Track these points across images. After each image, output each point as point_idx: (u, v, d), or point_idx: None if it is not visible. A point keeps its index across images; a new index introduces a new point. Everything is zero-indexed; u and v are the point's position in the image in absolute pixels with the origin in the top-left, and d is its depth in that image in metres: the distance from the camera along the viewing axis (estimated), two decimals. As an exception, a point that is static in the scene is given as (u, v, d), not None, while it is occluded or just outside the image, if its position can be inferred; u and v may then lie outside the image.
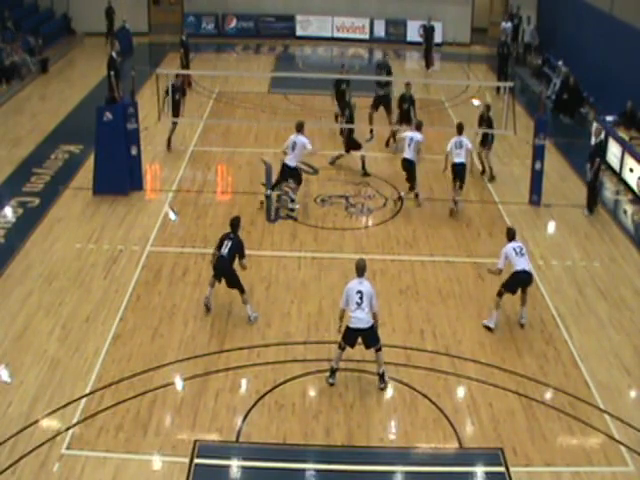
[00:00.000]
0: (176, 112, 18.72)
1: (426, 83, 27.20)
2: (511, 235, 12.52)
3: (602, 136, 16.73)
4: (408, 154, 16.34)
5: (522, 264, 12.15)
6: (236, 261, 12.21)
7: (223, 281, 12.24)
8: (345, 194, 17.19)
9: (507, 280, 12.24)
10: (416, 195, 16.71)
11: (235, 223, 12.36)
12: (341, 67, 21.55)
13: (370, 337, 10.73)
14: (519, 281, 12.21)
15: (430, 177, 18.15)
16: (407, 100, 19.14)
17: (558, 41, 28.16)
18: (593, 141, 16.42)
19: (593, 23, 24.76)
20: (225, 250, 12.08)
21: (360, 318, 10.59)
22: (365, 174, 18.16)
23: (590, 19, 25.11)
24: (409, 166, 16.37)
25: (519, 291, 12.37)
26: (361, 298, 10.60)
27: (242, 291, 12.28)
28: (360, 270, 10.83)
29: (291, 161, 15.87)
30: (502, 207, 16.80)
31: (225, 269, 12.15)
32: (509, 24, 29.28)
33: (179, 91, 18.88)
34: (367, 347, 10.86)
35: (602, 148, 16.81)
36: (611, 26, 23.04)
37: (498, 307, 12.33)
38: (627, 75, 21.05)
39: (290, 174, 16.00)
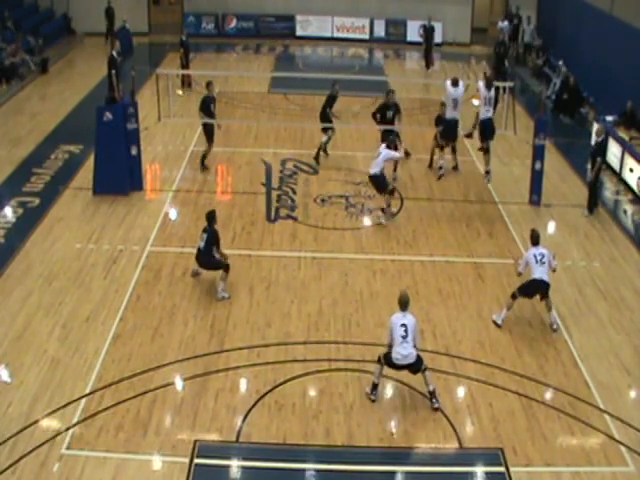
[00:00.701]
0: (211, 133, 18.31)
1: (426, 83, 27.21)
2: (535, 239, 12.37)
3: (603, 136, 16.70)
4: (373, 169, 15.73)
5: (540, 273, 12.09)
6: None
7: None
8: (345, 194, 17.19)
9: (523, 284, 12.27)
10: (384, 208, 15.90)
11: (210, 216, 12.94)
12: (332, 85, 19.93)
13: (416, 367, 10.44)
14: (535, 289, 12.23)
15: (430, 177, 18.16)
16: (391, 107, 17.96)
17: (558, 41, 28.16)
18: (594, 141, 16.40)
19: (593, 23, 24.76)
20: (202, 243, 12.88)
21: (405, 355, 10.28)
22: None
23: (590, 19, 25.10)
24: (375, 181, 15.81)
25: (538, 297, 12.34)
26: (406, 331, 10.28)
27: (225, 269, 12.90)
28: (403, 305, 10.47)
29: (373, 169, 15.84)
30: (502, 207, 16.80)
31: (204, 260, 13.00)
32: (506, 23, 29.29)
33: (213, 102, 18.27)
34: (414, 373, 10.56)
35: (603, 148, 16.80)
36: (611, 26, 23.04)
37: (510, 308, 12.39)
38: (627, 75, 21.05)
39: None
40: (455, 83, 17.58)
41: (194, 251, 14.38)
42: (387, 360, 10.48)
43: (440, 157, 18.01)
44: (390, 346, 10.42)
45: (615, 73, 22.06)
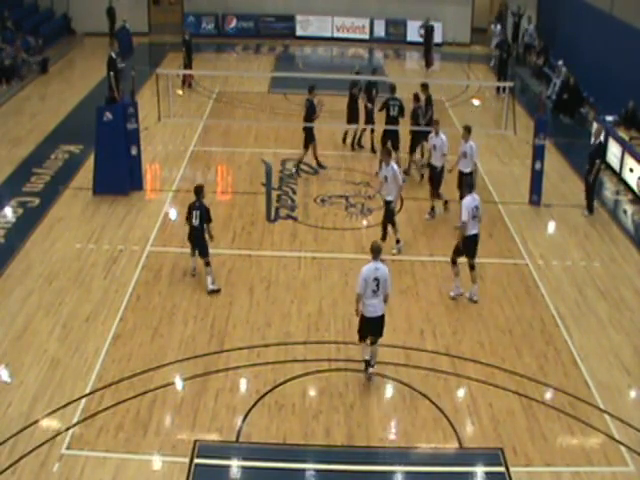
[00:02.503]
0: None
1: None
2: (471, 186, 13.23)
3: (602, 137, 16.66)
4: (388, 195, 14.58)
5: (475, 228, 12.93)
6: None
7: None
8: (345, 194, 17.19)
9: (460, 245, 12.97)
10: (398, 239, 14.83)
11: (199, 191, 13.09)
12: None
13: (380, 326, 10.84)
14: (474, 245, 12.97)
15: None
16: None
17: (558, 41, 28.16)
18: (592, 141, 16.35)
19: (593, 23, 24.76)
20: (197, 221, 12.94)
21: (376, 307, 10.70)
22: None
23: (590, 19, 25.10)
24: (388, 207, 14.67)
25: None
26: (377, 285, 10.58)
27: (207, 263, 13.02)
28: (375, 253, 10.67)
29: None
30: (502, 207, 16.79)
31: (199, 239, 13.06)
32: (498, 27, 29.29)
33: (314, 112, 18.30)
34: (373, 335, 10.88)
35: (602, 149, 16.76)
36: (611, 26, 23.04)
37: (458, 274, 13.17)
38: (627, 75, 21.05)
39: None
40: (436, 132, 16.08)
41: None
42: (361, 317, 10.83)
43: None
44: (359, 295, 10.67)
45: (615, 73, 22.06)
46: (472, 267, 13.10)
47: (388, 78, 20.93)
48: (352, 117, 19.24)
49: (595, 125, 16.80)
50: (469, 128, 15.38)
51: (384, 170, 14.36)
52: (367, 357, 10.96)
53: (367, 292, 10.60)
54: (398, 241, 14.65)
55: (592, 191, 16.47)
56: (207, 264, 13.07)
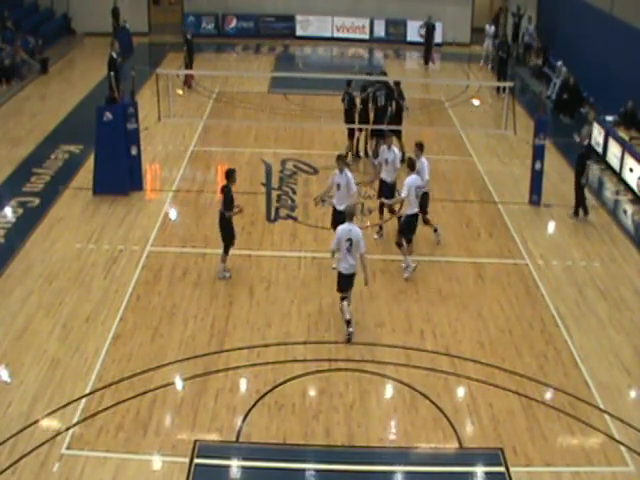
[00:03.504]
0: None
1: (426, 83, 27.23)
2: (412, 166, 13.54)
3: (588, 140, 16.31)
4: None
5: (416, 207, 13.46)
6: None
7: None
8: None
9: (405, 227, 13.56)
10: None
11: (228, 174, 13.30)
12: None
13: (351, 282, 12.02)
14: (415, 225, 13.57)
15: (430, 177, 18.14)
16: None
17: (558, 41, 28.16)
18: (583, 142, 16.12)
19: (593, 23, 24.76)
20: (221, 205, 13.28)
21: (350, 265, 11.81)
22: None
23: (590, 19, 25.10)
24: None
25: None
26: (351, 245, 11.65)
27: (225, 250, 13.38)
28: (349, 216, 11.85)
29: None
30: (502, 207, 16.80)
31: (220, 223, 13.35)
32: (492, 28, 29.28)
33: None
34: (349, 289, 12.03)
35: (592, 150, 16.45)
36: (611, 26, 23.04)
37: (411, 252, 13.76)
38: (627, 75, 21.05)
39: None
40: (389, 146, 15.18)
41: (194, 251, 14.43)
42: (339, 274, 11.95)
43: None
44: (333, 252, 11.92)
45: (615, 73, 22.06)
46: (399, 245, 13.75)
47: (388, 78, 20.88)
48: (362, 123, 18.77)
49: (585, 127, 16.69)
50: (421, 145, 14.43)
51: (337, 177, 13.60)
52: (348, 316, 11.88)
53: (342, 251, 11.73)
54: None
55: (583, 194, 16.29)
56: (225, 251, 13.43)
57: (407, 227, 13.67)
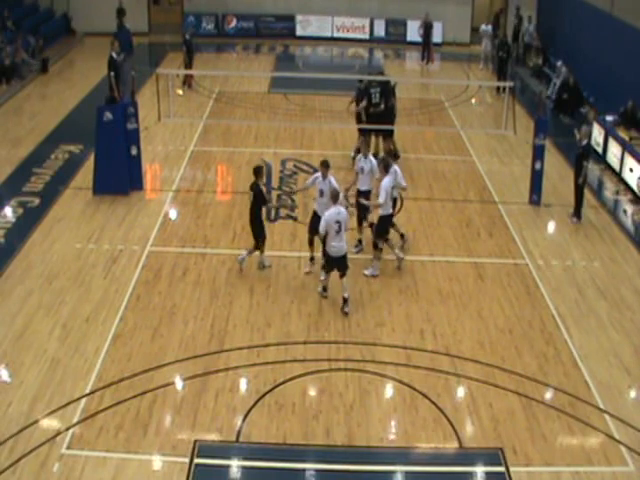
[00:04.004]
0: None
1: (426, 83, 27.23)
2: (387, 167, 13.37)
3: (587, 140, 16.25)
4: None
5: (390, 208, 13.48)
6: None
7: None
8: (345, 194, 17.14)
9: (380, 228, 13.45)
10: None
11: (256, 171, 13.37)
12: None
13: (344, 262, 12.50)
14: (390, 225, 13.52)
15: (430, 177, 18.17)
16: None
17: (558, 41, 28.16)
18: (584, 143, 16.07)
19: (593, 23, 24.76)
20: (253, 203, 13.39)
21: (339, 247, 12.30)
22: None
23: (590, 19, 25.10)
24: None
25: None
26: (340, 227, 12.14)
27: (255, 245, 13.57)
28: (334, 198, 12.29)
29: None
30: (502, 207, 16.80)
31: (250, 220, 13.49)
32: (489, 27, 29.25)
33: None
34: (339, 270, 12.51)
35: (589, 151, 16.40)
36: (611, 26, 23.04)
37: (379, 258, 13.68)
38: (627, 75, 21.05)
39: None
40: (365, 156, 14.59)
41: (194, 251, 14.45)
42: (325, 255, 12.55)
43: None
44: (325, 237, 12.30)
45: (615, 73, 22.06)
46: (376, 246, 13.60)
47: (388, 78, 20.86)
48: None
49: (583, 127, 16.66)
50: (395, 154, 14.31)
51: (321, 184, 13.32)
52: (346, 295, 12.45)
53: (331, 233, 12.15)
54: (312, 258, 13.90)
55: (582, 195, 16.26)
56: (255, 247, 13.60)
57: (382, 228, 13.61)
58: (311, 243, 13.75)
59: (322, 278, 12.85)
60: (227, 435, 9.91)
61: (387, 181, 13.31)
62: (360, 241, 14.66)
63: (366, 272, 13.72)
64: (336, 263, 12.50)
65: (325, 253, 12.68)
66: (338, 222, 12.15)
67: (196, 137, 20.28)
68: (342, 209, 12.33)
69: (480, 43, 29.37)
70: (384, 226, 13.65)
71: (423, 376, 11.13)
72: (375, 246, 13.68)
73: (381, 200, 13.21)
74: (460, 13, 32.23)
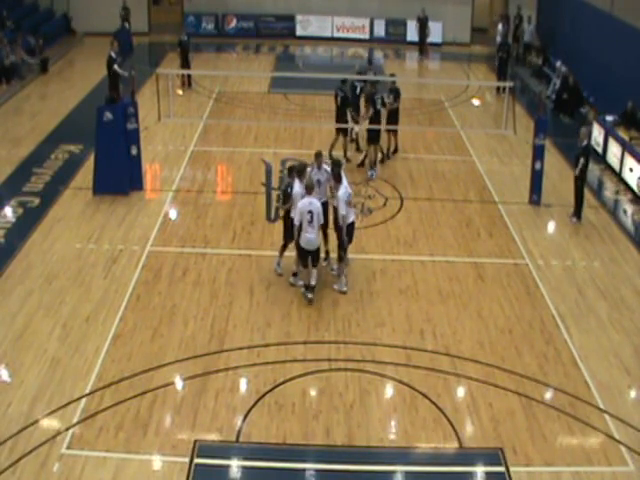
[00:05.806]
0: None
1: (426, 83, 27.22)
2: (338, 177, 12.96)
3: (587, 140, 16.23)
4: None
5: (353, 215, 13.22)
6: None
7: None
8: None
9: (345, 236, 13.00)
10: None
11: (289, 170, 13.27)
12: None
13: (316, 256, 12.66)
14: (353, 231, 13.20)
15: (430, 177, 18.17)
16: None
17: (558, 41, 28.17)
18: (584, 143, 16.01)
19: (593, 23, 24.76)
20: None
21: (310, 238, 12.40)
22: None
23: (590, 19, 25.11)
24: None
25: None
26: (312, 217, 12.27)
27: (283, 245, 13.45)
28: (309, 189, 12.42)
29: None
30: (502, 207, 16.79)
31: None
32: (504, 27, 29.24)
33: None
34: (312, 262, 12.58)
35: (588, 152, 16.38)
36: (611, 26, 23.04)
37: (345, 274, 13.31)
38: (627, 75, 21.05)
39: None
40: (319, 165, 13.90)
41: (194, 251, 14.44)
42: (297, 246, 12.59)
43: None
44: (299, 228, 12.33)
45: (615, 73, 22.06)
46: (341, 259, 13.18)
47: (388, 78, 20.85)
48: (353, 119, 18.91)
49: (583, 127, 16.65)
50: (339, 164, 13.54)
51: (317, 174, 13.43)
52: (313, 282, 12.58)
53: (303, 224, 12.26)
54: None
55: (582, 195, 16.24)
56: (284, 247, 13.47)
57: (349, 236, 13.07)
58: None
59: (294, 268, 13.00)
60: (227, 435, 9.91)
61: (342, 192, 12.79)
62: (328, 254, 13.87)
63: (335, 287, 13.23)
64: (308, 255, 12.62)
65: (298, 245, 12.68)
66: (310, 212, 12.29)
67: (196, 137, 20.28)
68: (314, 200, 12.44)
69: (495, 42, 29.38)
70: (350, 233, 13.11)
71: (423, 376, 11.13)
72: (340, 259, 13.16)
73: (343, 212, 12.79)
74: (460, 13, 32.20)
